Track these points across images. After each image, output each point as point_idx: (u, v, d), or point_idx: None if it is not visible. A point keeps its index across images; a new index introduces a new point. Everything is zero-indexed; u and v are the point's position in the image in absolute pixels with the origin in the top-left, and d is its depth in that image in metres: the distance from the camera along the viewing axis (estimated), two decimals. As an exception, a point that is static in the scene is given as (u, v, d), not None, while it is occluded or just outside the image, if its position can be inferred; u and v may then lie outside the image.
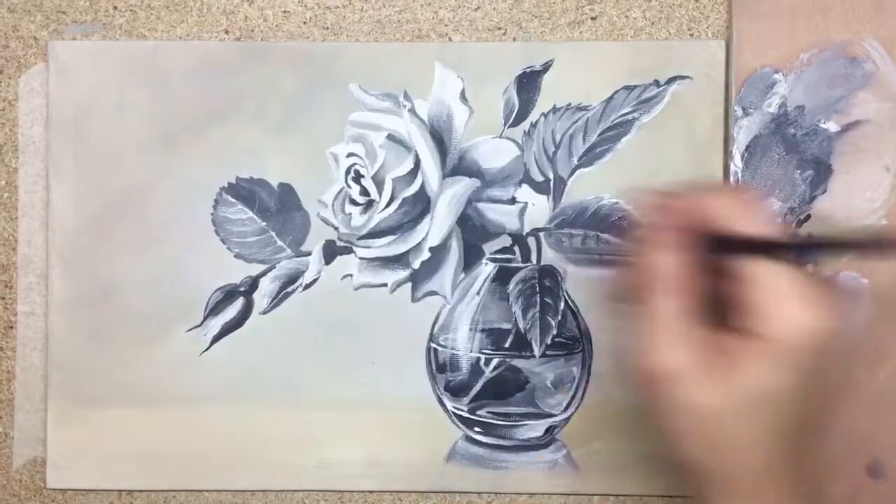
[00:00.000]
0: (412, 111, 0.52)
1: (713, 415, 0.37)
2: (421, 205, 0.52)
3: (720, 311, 0.38)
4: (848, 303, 0.38)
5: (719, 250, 0.38)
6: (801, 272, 0.37)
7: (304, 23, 0.53)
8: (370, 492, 0.53)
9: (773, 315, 0.36)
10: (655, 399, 0.38)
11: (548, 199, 0.52)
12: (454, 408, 0.53)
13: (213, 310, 0.53)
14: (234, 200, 0.53)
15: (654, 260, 0.38)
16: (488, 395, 0.52)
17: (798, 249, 0.38)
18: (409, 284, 0.53)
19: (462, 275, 0.53)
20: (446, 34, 0.53)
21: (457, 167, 0.52)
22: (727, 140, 0.52)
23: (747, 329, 0.37)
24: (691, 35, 0.52)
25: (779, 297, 0.36)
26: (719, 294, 0.39)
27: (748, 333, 0.37)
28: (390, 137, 0.52)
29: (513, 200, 0.53)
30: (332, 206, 0.53)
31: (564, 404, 0.52)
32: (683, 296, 0.38)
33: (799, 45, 0.51)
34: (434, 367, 0.53)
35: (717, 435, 0.37)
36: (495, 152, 0.53)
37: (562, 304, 0.52)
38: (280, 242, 0.53)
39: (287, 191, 0.53)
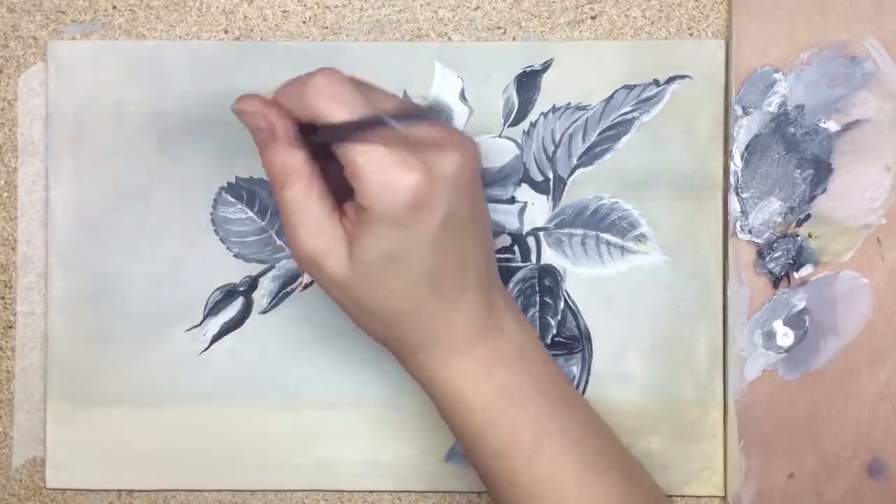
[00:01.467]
0: (412, 111, 0.52)
1: (353, 284, 0.42)
2: (420, 204, 0.52)
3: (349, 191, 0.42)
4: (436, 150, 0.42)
5: (321, 136, 0.41)
6: (394, 140, 0.40)
7: (304, 22, 0.53)
8: (370, 491, 0.53)
9: (370, 188, 0.40)
10: (317, 281, 0.43)
11: (547, 198, 0.52)
12: (454, 407, 0.53)
13: (213, 309, 0.53)
14: (233, 200, 0.53)
15: (271, 158, 0.42)
16: (488, 394, 0.52)
17: (376, 123, 0.40)
18: (409, 284, 0.53)
19: (462, 274, 0.53)
20: (446, 34, 0.53)
21: (456, 167, 0.52)
22: (727, 139, 0.52)
23: (359, 205, 0.41)
24: (691, 34, 0.52)
25: (370, 170, 0.40)
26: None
27: (360, 208, 0.41)
28: (390, 137, 0.52)
29: (512, 200, 0.53)
30: (332, 205, 0.53)
31: (564, 404, 0.52)
32: (303, 184, 0.42)
33: (799, 44, 0.51)
34: (434, 367, 0.53)
35: (365, 302, 0.42)
36: (495, 152, 0.52)
37: (561, 304, 0.52)
38: (280, 242, 0.53)
39: (286, 190, 0.53)
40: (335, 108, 0.40)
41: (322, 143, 0.42)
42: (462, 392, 0.44)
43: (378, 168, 0.40)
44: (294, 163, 0.42)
